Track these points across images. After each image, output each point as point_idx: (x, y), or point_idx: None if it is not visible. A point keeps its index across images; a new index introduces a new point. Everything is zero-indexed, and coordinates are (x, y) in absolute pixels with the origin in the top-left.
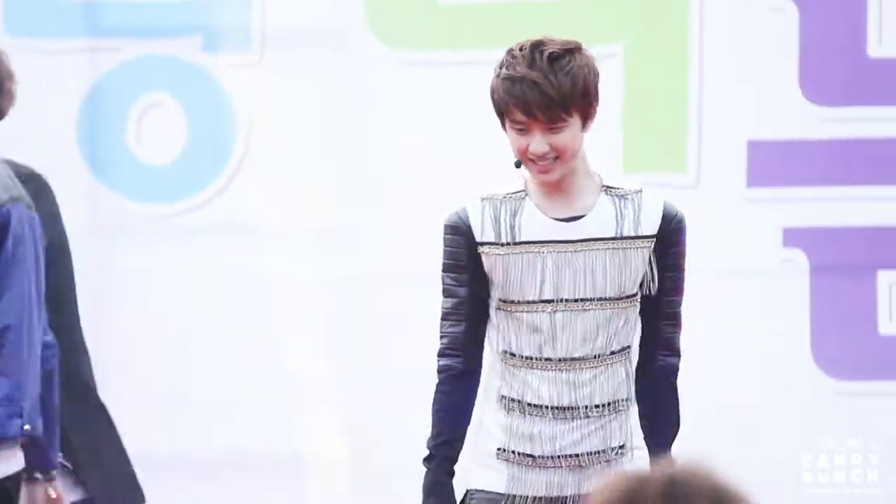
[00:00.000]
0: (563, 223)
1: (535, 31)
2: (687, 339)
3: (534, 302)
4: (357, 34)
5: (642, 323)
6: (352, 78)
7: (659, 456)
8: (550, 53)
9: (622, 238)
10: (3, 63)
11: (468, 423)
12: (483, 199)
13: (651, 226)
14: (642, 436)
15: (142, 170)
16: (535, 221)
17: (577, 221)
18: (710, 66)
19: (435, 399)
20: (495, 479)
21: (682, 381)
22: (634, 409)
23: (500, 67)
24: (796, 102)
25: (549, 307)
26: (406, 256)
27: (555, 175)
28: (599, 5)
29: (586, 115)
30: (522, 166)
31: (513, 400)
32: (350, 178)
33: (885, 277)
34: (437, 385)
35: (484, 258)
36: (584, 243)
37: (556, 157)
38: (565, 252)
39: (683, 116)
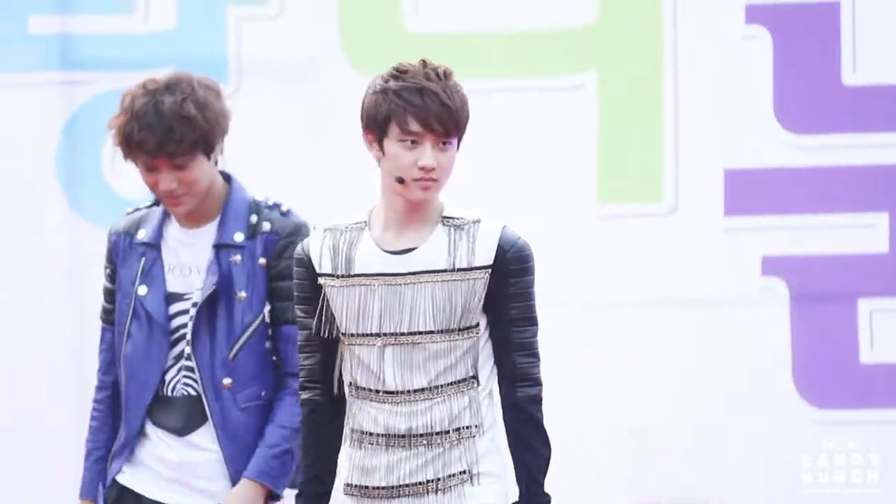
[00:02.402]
0: (395, 256)
1: (507, 61)
2: (668, 368)
3: (365, 335)
4: (332, 63)
5: (495, 355)
6: (327, 107)
7: (529, 487)
8: (445, 70)
9: (454, 270)
10: None
11: (336, 456)
12: (325, 230)
13: (486, 256)
14: (501, 463)
15: (119, 202)
16: (369, 254)
17: (409, 254)
18: (684, 94)
19: (301, 434)
20: None
21: (664, 408)
22: (488, 437)
23: (386, 82)
24: (772, 130)
25: (378, 341)
26: None
27: (431, 195)
28: (571, 35)
29: (459, 143)
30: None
31: (355, 431)
32: (326, 207)
33: (865, 305)
34: (301, 420)
35: (324, 289)
36: (414, 276)
37: (436, 180)
38: (394, 285)
39: (659, 146)
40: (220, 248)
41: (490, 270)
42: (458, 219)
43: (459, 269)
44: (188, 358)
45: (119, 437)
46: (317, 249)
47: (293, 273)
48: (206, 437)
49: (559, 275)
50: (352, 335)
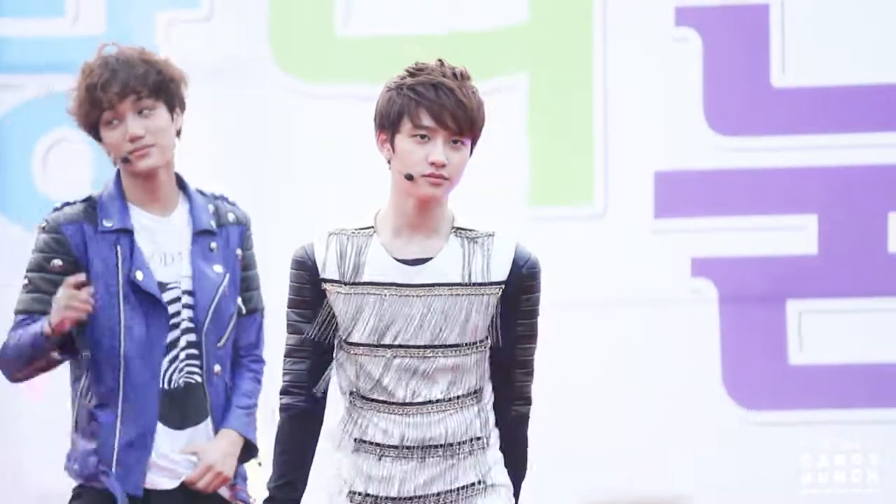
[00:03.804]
0: (407, 265)
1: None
2: (598, 370)
3: (372, 346)
4: (262, 66)
5: (494, 370)
6: (258, 109)
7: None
8: (462, 71)
9: (469, 284)
10: None
11: (311, 464)
12: (331, 234)
13: (500, 271)
14: (505, 473)
15: (49, 206)
16: (379, 261)
17: (422, 265)
18: (614, 97)
19: (277, 439)
20: None
21: (591, 409)
22: (495, 448)
23: (402, 79)
24: (702, 133)
25: (387, 352)
26: None
27: (440, 192)
28: (501, 37)
29: (473, 146)
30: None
31: (362, 441)
32: (255, 211)
33: (794, 307)
34: (280, 424)
35: (328, 295)
36: (426, 288)
37: (447, 178)
38: (406, 296)
39: (589, 148)
40: (200, 235)
41: (504, 286)
42: (471, 231)
43: (475, 284)
44: (191, 346)
45: (109, 433)
46: (321, 254)
47: (290, 275)
48: (208, 427)
49: None
50: (357, 344)
